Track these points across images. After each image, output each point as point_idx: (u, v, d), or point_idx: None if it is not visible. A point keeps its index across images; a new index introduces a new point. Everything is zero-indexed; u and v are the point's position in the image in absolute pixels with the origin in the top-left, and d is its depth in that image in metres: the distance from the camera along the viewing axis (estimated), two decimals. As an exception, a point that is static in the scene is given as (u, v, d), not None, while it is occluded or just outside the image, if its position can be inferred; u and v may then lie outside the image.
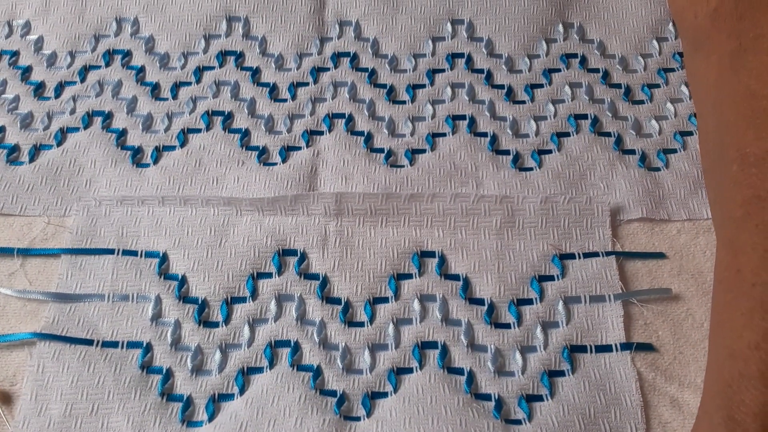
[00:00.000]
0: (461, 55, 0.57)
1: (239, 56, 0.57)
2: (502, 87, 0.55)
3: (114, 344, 0.43)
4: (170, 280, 0.46)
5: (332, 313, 0.45)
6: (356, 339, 0.44)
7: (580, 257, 0.46)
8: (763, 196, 0.38)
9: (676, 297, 0.45)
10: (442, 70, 0.56)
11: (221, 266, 0.46)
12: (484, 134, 0.53)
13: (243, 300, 0.45)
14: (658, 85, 0.55)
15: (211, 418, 0.41)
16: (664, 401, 0.41)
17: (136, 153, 0.52)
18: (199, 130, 0.53)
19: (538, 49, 0.57)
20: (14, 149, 0.52)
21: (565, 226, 0.47)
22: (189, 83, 0.56)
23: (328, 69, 0.56)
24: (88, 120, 0.54)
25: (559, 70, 0.56)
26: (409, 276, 0.46)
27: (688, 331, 0.44)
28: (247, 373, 0.43)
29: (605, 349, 0.43)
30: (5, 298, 0.46)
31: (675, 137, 0.52)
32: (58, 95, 0.55)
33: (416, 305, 0.45)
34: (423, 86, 0.55)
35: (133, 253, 0.47)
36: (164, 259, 0.47)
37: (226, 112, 0.54)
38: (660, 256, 0.47)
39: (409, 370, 0.43)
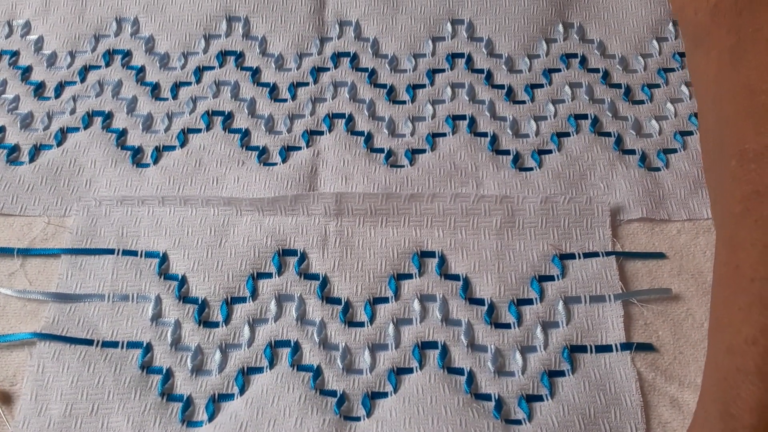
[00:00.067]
0: (461, 55, 0.57)
1: (239, 56, 0.57)
2: (502, 87, 0.55)
3: (114, 344, 0.43)
4: (170, 280, 0.46)
5: (332, 313, 0.45)
6: (356, 339, 0.44)
7: (580, 257, 0.46)
8: (762, 192, 0.38)
9: (676, 297, 0.45)
10: (442, 70, 0.56)
11: (221, 266, 0.46)
12: (484, 134, 0.53)
13: (243, 300, 0.45)
14: (658, 85, 0.55)
15: (211, 418, 0.41)
16: (664, 401, 0.41)
17: (136, 153, 0.52)
18: (199, 130, 0.53)
19: (538, 49, 0.57)
20: (14, 149, 0.52)
21: (565, 226, 0.47)
22: (189, 83, 0.56)
23: (328, 69, 0.56)
24: (88, 120, 0.54)
25: (559, 70, 0.56)
26: (409, 276, 0.46)
27: (688, 331, 0.44)
28: (247, 373, 0.43)
29: (605, 349, 0.43)
30: (5, 298, 0.46)
31: (675, 137, 0.52)
32: (58, 95, 0.55)
33: (416, 305, 0.45)
34: (423, 86, 0.55)
35: (133, 253, 0.47)
36: (164, 259, 0.47)
37: (226, 112, 0.54)
38: (660, 256, 0.47)
39: (409, 370, 0.43)
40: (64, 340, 0.43)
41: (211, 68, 0.57)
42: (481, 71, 0.56)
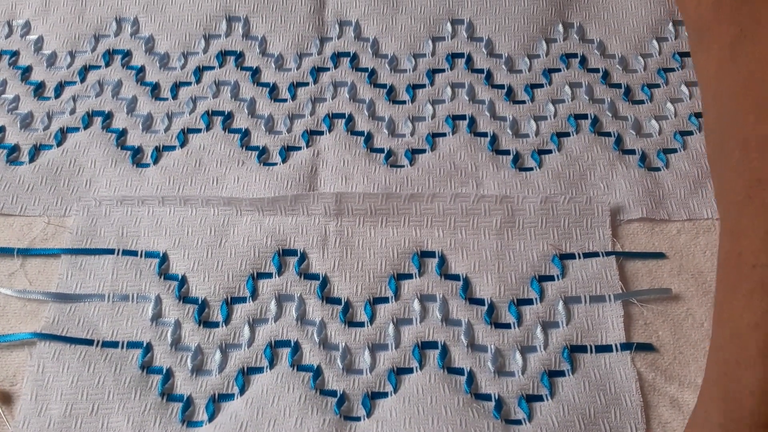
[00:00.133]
0: (461, 55, 0.57)
1: (239, 56, 0.57)
2: (502, 87, 0.55)
3: (114, 344, 0.43)
4: (170, 280, 0.46)
5: (332, 313, 0.45)
6: (356, 339, 0.44)
7: (580, 257, 0.46)
8: (764, 180, 0.38)
9: (676, 297, 0.45)
10: (442, 70, 0.56)
11: (221, 266, 0.46)
12: (484, 134, 0.53)
13: (243, 300, 0.45)
14: (658, 85, 0.55)
15: (211, 418, 0.41)
16: (664, 401, 0.41)
17: (136, 153, 0.52)
18: (199, 130, 0.53)
19: (538, 49, 0.57)
20: (14, 149, 0.52)
21: (565, 226, 0.47)
22: (189, 83, 0.56)
23: (328, 69, 0.56)
24: (88, 120, 0.54)
25: (559, 70, 0.56)
26: (409, 276, 0.46)
27: (688, 331, 0.44)
28: (247, 373, 0.43)
29: (605, 349, 0.43)
30: (5, 298, 0.46)
31: (675, 137, 0.52)
32: (58, 95, 0.55)
33: (416, 305, 0.45)
34: (423, 86, 0.55)
35: (133, 253, 0.47)
36: (164, 259, 0.47)
37: (226, 112, 0.54)
38: (660, 256, 0.47)
39: (409, 370, 0.43)
40: (64, 340, 0.43)
41: (211, 68, 0.57)
42: (481, 71, 0.56)
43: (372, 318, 0.45)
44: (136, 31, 0.59)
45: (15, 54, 0.58)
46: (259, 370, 0.43)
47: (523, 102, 0.55)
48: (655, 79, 0.55)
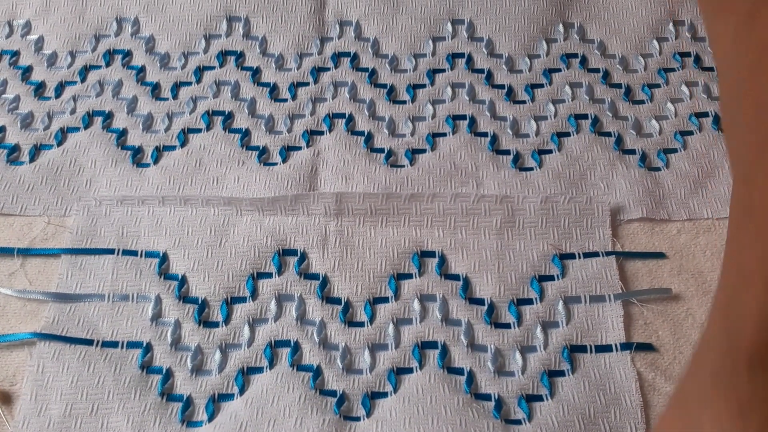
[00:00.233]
0: (461, 55, 0.57)
1: (239, 56, 0.57)
2: (502, 87, 0.55)
3: (114, 344, 0.43)
4: (170, 280, 0.46)
5: (332, 313, 0.45)
6: (356, 339, 0.44)
7: (580, 257, 0.46)
8: None
9: (676, 297, 0.45)
10: (443, 70, 0.56)
11: (221, 266, 0.46)
12: (485, 134, 0.53)
13: (243, 300, 0.45)
14: (658, 85, 0.55)
15: (211, 418, 0.41)
16: (664, 401, 0.41)
17: (137, 153, 0.52)
18: (199, 130, 0.53)
19: (539, 49, 0.57)
20: (14, 149, 0.52)
21: (565, 226, 0.47)
22: (189, 83, 0.56)
23: (328, 69, 0.56)
24: (88, 120, 0.54)
25: (559, 70, 0.56)
26: (409, 276, 0.46)
27: (688, 331, 0.44)
28: (247, 373, 0.43)
29: (605, 349, 0.43)
30: (5, 298, 0.46)
31: (675, 137, 0.52)
32: (58, 95, 0.55)
33: (416, 305, 0.45)
34: (423, 86, 0.55)
35: (133, 253, 0.47)
36: (164, 259, 0.47)
37: (227, 112, 0.54)
38: (660, 256, 0.47)
39: (409, 370, 0.43)
40: (64, 340, 0.43)
41: (212, 68, 0.57)
42: (481, 71, 0.56)
43: (372, 318, 0.45)
44: (136, 31, 0.59)
45: (15, 54, 0.58)
46: (259, 370, 0.43)
47: (524, 102, 0.55)
48: (655, 79, 0.55)
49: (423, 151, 0.52)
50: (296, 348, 0.43)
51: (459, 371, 0.42)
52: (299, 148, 0.52)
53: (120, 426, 0.40)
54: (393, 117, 0.54)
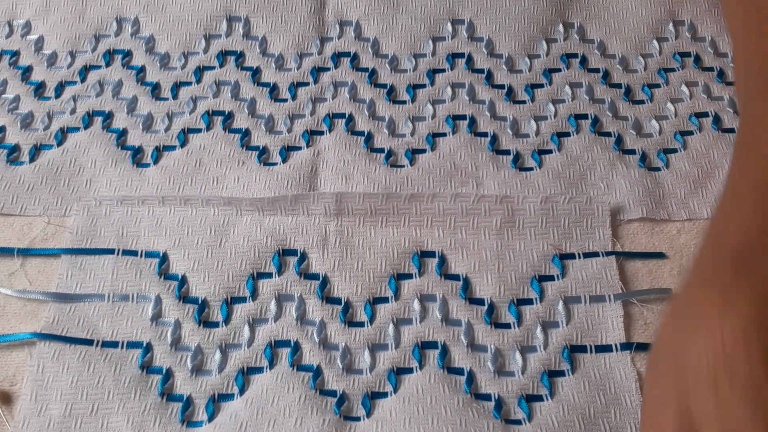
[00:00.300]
0: (461, 55, 0.57)
1: (239, 56, 0.57)
2: (502, 87, 0.55)
3: (114, 344, 0.43)
4: (170, 280, 0.46)
5: (332, 313, 0.45)
6: (356, 339, 0.44)
7: (580, 257, 0.46)
8: None
9: (676, 297, 0.45)
10: (443, 70, 0.56)
11: (221, 266, 0.46)
12: (485, 134, 0.53)
13: (243, 300, 0.45)
14: (658, 85, 0.55)
15: (211, 418, 0.41)
16: (664, 401, 0.41)
17: (137, 153, 0.52)
18: (199, 130, 0.53)
19: (539, 49, 0.57)
20: (14, 149, 0.52)
21: (565, 226, 0.47)
22: (189, 83, 0.56)
23: (328, 69, 0.56)
24: (88, 120, 0.54)
25: (559, 70, 0.56)
26: (409, 276, 0.46)
27: (688, 331, 0.44)
28: (247, 373, 0.43)
29: (605, 349, 0.43)
30: (5, 298, 0.46)
31: (675, 137, 0.52)
32: (58, 95, 0.55)
33: (416, 305, 0.45)
34: (423, 86, 0.55)
35: (133, 253, 0.47)
36: (164, 259, 0.47)
37: (227, 112, 0.54)
38: (660, 256, 0.47)
39: (409, 370, 0.43)
40: (64, 340, 0.43)
41: (212, 68, 0.57)
42: (481, 71, 0.56)
43: (372, 318, 0.45)
44: (136, 31, 0.59)
45: (15, 54, 0.58)
46: (259, 370, 0.43)
47: (524, 102, 0.55)
48: (655, 79, 0.55)
49: (423, 151, 0.52)
50: (296, 348, 0.43)
51: (459, 371, 0.42)
52: (299, 148, 0.52)
53: (120, 426, 0.40)
54: (393, 117, 0.54)
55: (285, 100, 0.55)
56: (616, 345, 0.43)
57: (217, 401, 0.42)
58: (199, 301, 0.45)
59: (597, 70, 0.56)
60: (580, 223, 0.48)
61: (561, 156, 0.51)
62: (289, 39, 0.58)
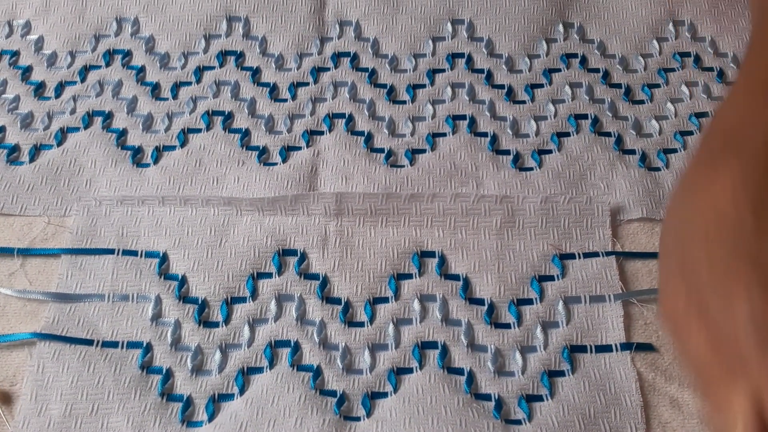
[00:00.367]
0: (461, 55, 0.57)
1: (239, 56, 0.57)
2: (502, 87, 0.55)
3: (114, 344, 0.43)
4: (170, 280, 0.46)
5: (332, 313, 0.45)
6: (356, 339, 0.44)
7: (580, 257, 0.46)
8: None
9: (676, 297, 0.45)
10: (443, 70, 0.56)
11: (221, 266, 0.46)
12: (485, 134, 0.53)
13: (243, 300, 0.45)
14: (658, 85, 0.55)
15: (211, 418, 0.41)
16: (664, 401, 0.41)
17: (137, 153, 0.52)
18: (199, 130, 0.53)
19: (539, 49, 0.57)
20: (14, 149, 0.52)
21: (565, 226, 0.47)
22: (189, 83, 0.56)
23: (328, 69, 0.56)
24: (88, 120, 0.54)
25: (559, 70, 0.56)
26: (409, 276, 0.46)
27: (688, 331, 0.44)
28: (247, 373, 0.43)
29: (605, 349, 0.43)
30: (5, 298, 0.46)
31: (675, 137, 0.52)
32: (58, 95, 0.55)
33: (416, 305, 0.45)
34: (423, 86, 0.55)
35: (133, 253, 0.47)
36: (164, 259, 0.47)
37: (227, 112, 0.54)
38: (660, 256, 0.47)
39: (409, 370, 0.43)
40: (64, 340, 0.43)
41: (212, 68, 0.57)
42: (481, 71, 0.56)
43: (372, 318, 0.45)
44: (136, 31, 0.59)
45: (15, 54, 0.58)
46: (259, 370, 0.43)
47: (524, 102, 0.55)
48: (655, 79, 0.55)
49: (423, 151, 0.52)
50: (296, 348, 0.43)
51: (459, 371, 0.42)
52: (299, 148, 0.52)
53: (120, 426, 0.40)
54: (393, 117, 0.54)
55: (285, 100, 0.55)
56: (616, 345, 0.43)
57: (217, 401, 0.42)
58: (199, 301, 0.45)
59: (597, 70, 0.56)
60: (580, 223, 0.48)
61: (561, 156, 0.51)
62: (289, 39, 0.58)
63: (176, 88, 0.56)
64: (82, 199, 0.49)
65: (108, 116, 0.54)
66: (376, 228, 0.48)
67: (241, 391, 0.42)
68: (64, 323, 0.44)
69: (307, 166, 0.51)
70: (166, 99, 0.55)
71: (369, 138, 0.53)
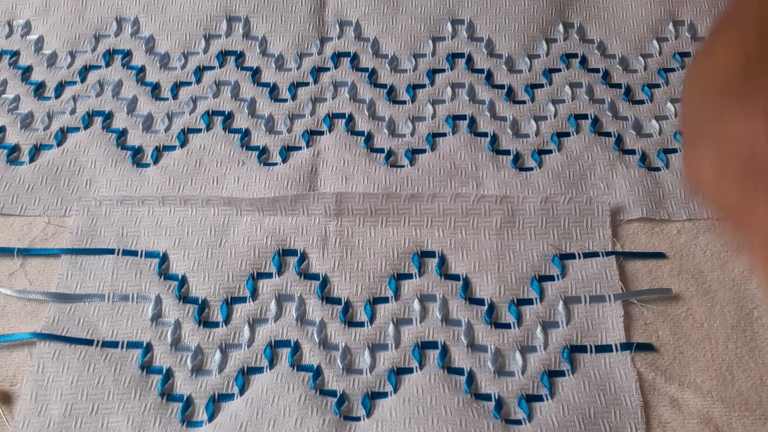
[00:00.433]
0: (461, 55, 0.57)
1: (239, 56, 0.57)
2: (502, 87, 0.55)
3: (114, 344, 0.43)
4: (170, 280, 0.46)
5: (332, 313, 0.45)
6: (356, 339, 0.44)
7: (580, 257, 0.46)
8: None
9: (676, 297, 0.45)
10: (443, 70, 0.56)
11: (221, 266, 0.46)
12: (485, 134, 0.53)
13: (243, 300, 0.45)
14: (658, 85, 0.55)
15: (211, 418, 0.41)
16: (664, 401, 0.41)
17: (137, 153, 0.52)
18: (199, 130, 0.53)
19: (539, 49, 0.57)
20: (14, 149, 0.52)
21: (565, 226, 0.47)
22: (189, 83, 0.56)
23: (328, 69, 0.56)
24: (88, 120, 0.54)
25: (559, 70, 0.56)
26: (409, 276, 0.46)
27: (688, 331, 0.44)
28: (247, 373, 0.43)
29: (605, 349, 0.43)
30: (5, 298, 0.46)
31: (675, 137, 0.52)
32: (58, 95, 0.55)
33: (416, 305, 0.45)
34: (423, 86, 0.55)
35: (133, 253, 0.47)
36: (164, 259, 0.47)
37: (227, 112, 0.54)
38: (660, 256, 0.47)
39: (409, 370, 0.43)
40: (64, 340, 0.43)
41: (211, 68, 0.57)
42: (481, 71, 0.56)
43: (372, 318, 0.45)
44: (136, 31, 0.59)
45: (15, 54, 0.58)
46: (259, 370, 0.43)
47: (524, 102, 0.55)
48: (655, 79, 0.55)
49: (423, 151, 0.52)
50: (296, 348, 0.43)
51: (459, 371, 0.42)
52: (299, 148, 0.52)
53: (120, 426, 0.40)
54: (393, 117, 0.54)
55: (285, 100, 0.55)
56: (616, 345, 0.43)
57: (217, 401, 0.42)
58: (199, 301, 0.45)
59: (597, 70, 0.56)
60: (580, 223, 0.48)
61: (561, 156, 0.51)
62: (289, 39, 0.58)
63: (176, 88, 0.56)
64: (82, 199, 0.49)
65: (108, 116, 0.54)
66: (376, 228, 0.48)
67: (241, 391, 0.42)
68: (64, 323, 0.44)
69: (307, 166, 0.51)
70: (166, 99, 0.55)
71: (369, 138, 0.53)
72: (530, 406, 0.41)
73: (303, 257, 0.47)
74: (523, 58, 0.57)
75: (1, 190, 0.50)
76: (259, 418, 0.40)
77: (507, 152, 0.52)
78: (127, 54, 0.58)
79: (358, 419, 0.41)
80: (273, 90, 0.55)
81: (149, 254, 0.47)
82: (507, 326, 0.44)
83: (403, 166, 0.51)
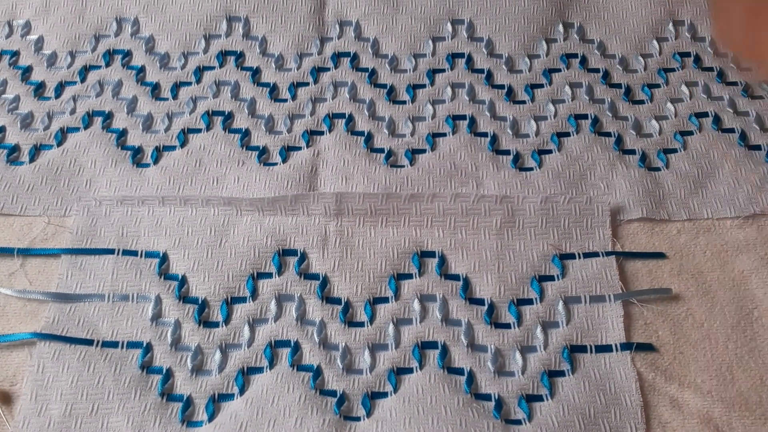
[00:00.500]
0: (461, 55, 0.57)
1: (239, 56, 0.57)
2: (502, 87, 0.55)
3: (114, 344, 0.43)
4: (170, 280, 0.46)
5: (332, 313, 0.45)
6: (356, 339, 0.44)
7: (580, 257, 0.46)
8: None
9: (676, 297, 0.45)
10: (443, 70, 0.56)
11: (221, 266, 0.46)
12: (485, 134, 0.53)
13: (243, 300, 0.45)
14: (658, 85, 0.55)
15: (211, 418, 0.41)
16: (664, 401, 0.41)
17: (137, 153, 0.52)
18: (199, 130, 0.53)
19: (539, 49, 0.57)
20: (14, 149, 0.52)
21: (565, 226, 0.47)
22: (189, 83, 0.56)
23: (328, 69, 0.56)
24: (88, 120, 0.54)
25: (559, 70, 0.56)
26: (409, 276, 0.46)
27: (688, 331, 0.44)
28: (247, 373, 0.43)
29: (605, 349, 0.43)
30: (5, 298, 0.46)
31: (675, 137, 0.52)
32: (58, 95, 0.55)
33: (416, 305, 0.45)
34: (423, 86, 0.55)
35: (133, 253, 0.47)
36: (164, 259, 0.47)
37: (226, 112, 0.54)
38: (660, 256, 0.47)
39: (409, 370, 0.43)
40: (64, 340, 0.43)
41: (211, 68, 0.57)
42: (481, 71, 0.56)
43: (372, 318, 0.45)
44: (136, 31, 0.59)
45: (15, 54, 0.58)
46: (259, 370, 0.43)
47: (524, 102, 0.55)
48: (655, 79, 0.55)
49: (423, 151, 0.52)
50: (296, 348, 0.43)
51: (459, 371, 0.42)
52: (299, 148, 0.52)
53: (120, 426, 0.40)
54: (393, 117, 0.54)
55: (285, 100, 0.55)
56: (616, 345, 0.43)
57: (217, 401, 0.42)
58: (199, 301, 0.45)
59: (597, 70, 0.56)
60: (580, 223, 0.48)
61: (561, 156, 0.51)
62: (289, 39, 0.58)
63: (176, 88, 0.56)
64: (82, 199, 0.49)
65: (108, 116, 0.54)
66: (376, 228, 0.48)
67: (241, 391, 0.42)
68: (64, 323, 0.44)
69: (307, 166, 0.51)
70: (166, 99, 0.55)
71: (369, 138, 0.53)
72: (530, 406, 0.41)
73: (303, 257, 0.47)
74: (523, 58, 0.57)
75: (1, 190, 0.50)
76: (259, 418, 0.40)
77: (507, 152, 0.52)
78: (127, 54, 0.58)
79: (358, 419, 0.41)
80: (273, 90, 0.55)
81: (149, 254, 0.47)
82: (507, 326, 0.44)
83: (403, 166, 0.51)
